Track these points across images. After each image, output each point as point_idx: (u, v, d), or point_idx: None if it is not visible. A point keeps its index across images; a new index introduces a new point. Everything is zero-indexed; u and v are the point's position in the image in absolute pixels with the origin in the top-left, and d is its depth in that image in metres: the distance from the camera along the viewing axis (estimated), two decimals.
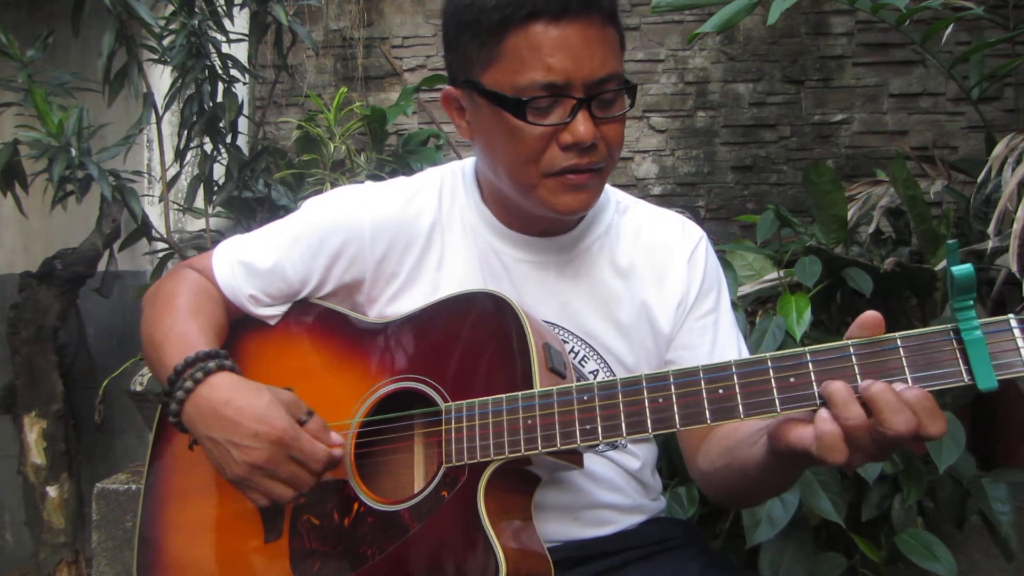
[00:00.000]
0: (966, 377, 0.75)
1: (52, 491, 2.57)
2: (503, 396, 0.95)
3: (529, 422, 0.92)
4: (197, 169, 2.36)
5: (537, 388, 0.93)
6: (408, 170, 2.62)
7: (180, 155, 2.33)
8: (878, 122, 3.14)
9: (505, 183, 1.05)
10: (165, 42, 2.21)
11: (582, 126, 0.97)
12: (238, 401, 0.96)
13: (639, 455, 1.17)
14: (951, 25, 2.40)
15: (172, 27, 2.22)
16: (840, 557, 1.72)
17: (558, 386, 0.93)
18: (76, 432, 2.72)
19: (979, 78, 2.49)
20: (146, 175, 2.69)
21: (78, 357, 2.90)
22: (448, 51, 1.07)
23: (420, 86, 2.97)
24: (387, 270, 1.12)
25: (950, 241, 0.75)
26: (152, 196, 2.83)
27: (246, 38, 2.32)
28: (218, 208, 2.54)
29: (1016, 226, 1.90)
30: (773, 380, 0.82)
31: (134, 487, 2.16)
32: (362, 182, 1.22)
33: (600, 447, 1.12)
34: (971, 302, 0.75)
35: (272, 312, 1.15)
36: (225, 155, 2.36)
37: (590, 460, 1.10)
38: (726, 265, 1.91)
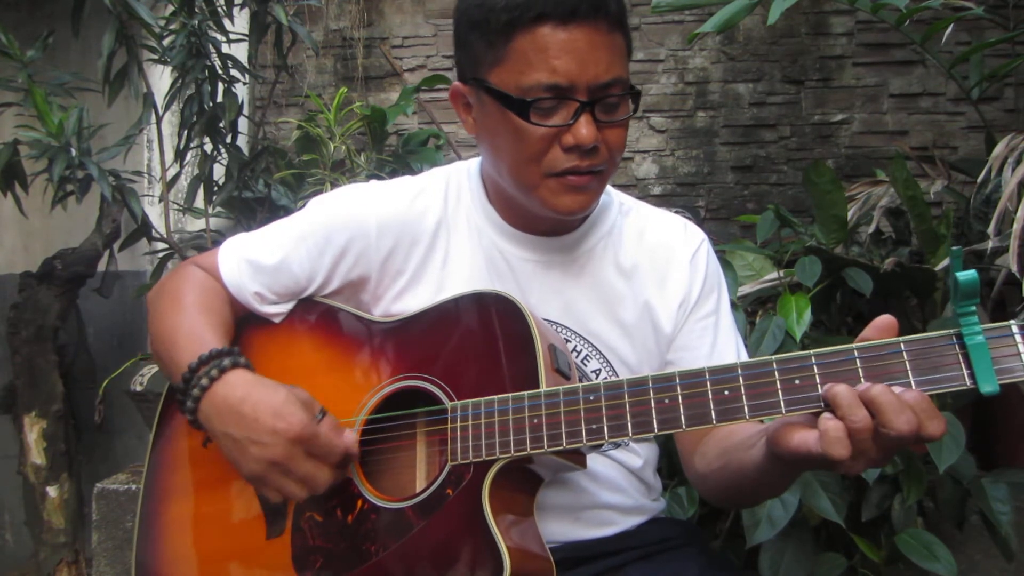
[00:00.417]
0: (968, 381, 0.76)
1: (52, 491, 2.56)
2: (509, 395, 0.95)
3: (535, 421, 0.92)
4: (197, 169, 2.36)
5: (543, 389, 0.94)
6: (408, 170, 2.63)
7: (180, 155, 2.33)
8: (878, 122, 3.14)
9: (508, 181, 1.06)
10: (165, 42, 2.21)
11: (584, 129, 0.98)
12: (255, 398, 0.96)
13: (641, 453, 1.18)
14: (951, 25, 2.40)
15: (172, 27, 2.22)
16: (840, 557, 1.72)
17: (564, 386, 0.93)
18: (76, 432, 2.72)
19: (979, 78, 2.49)
20: (146, 175, 2.69)
21: (78, 357, 2.90)
22: (457, 48, 1.07)
23: (420, 86, 2.97)
24: (392, 268, 1.12)
25: (954, 248, 0.76)
26: (152, 196, 2.83)
27: (246, 38, 2.32)
28: (218, 208, 2.54)
29: (1016, 226, 1.90)
30: (778, 382, 0.83)
31: (134, 487, 2.16)
32: (364, 182, 1.22)
33: (604, 446, 1.12)
34: (974, 307, 0.76)
35: (277, 310, 1.15)
36: (225, 155, 2.36)
37: (593, 460, 1.10)
38: (726, 265, 1.92)
